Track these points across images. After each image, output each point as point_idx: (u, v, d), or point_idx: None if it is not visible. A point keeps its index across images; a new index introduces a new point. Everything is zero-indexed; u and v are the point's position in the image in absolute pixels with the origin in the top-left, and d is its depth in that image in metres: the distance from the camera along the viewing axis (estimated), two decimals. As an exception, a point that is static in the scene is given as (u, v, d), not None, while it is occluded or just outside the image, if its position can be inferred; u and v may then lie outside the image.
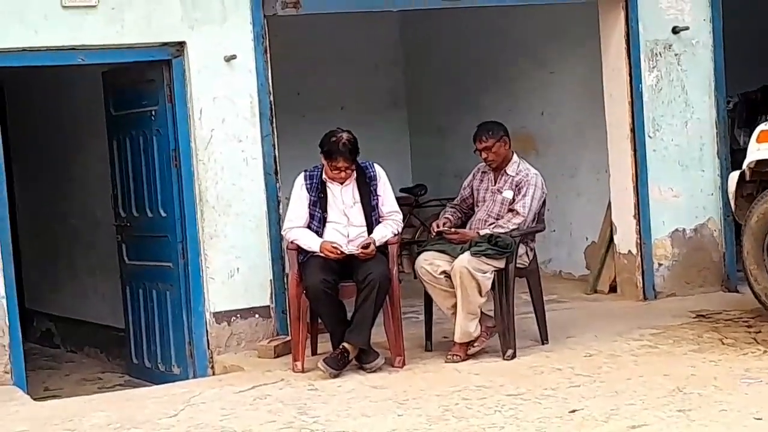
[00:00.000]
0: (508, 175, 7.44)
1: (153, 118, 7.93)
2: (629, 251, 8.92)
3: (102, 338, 10.11)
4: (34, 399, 7.14)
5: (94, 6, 7.36)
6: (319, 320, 7.31)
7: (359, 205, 7.24)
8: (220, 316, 7.72)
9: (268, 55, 7.83)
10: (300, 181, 7.27)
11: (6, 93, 11.28)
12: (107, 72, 8.39)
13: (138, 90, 8.03)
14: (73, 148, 10.35)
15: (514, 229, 7.24)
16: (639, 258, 8.83)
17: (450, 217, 7.53)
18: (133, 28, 7.46)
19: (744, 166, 7.86)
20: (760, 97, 11.06)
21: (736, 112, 10.50)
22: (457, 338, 7.14)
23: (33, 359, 9.30)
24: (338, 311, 7.09)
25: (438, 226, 7.36)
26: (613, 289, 9.24)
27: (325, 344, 7.30)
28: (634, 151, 8.81)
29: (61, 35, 7.31)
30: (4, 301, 7.18)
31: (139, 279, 8.42)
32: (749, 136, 8.64)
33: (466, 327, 7.09)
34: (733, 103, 9.89)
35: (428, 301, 7.46)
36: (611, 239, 9.20)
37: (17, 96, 10.88)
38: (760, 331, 7.39)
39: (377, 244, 7.11)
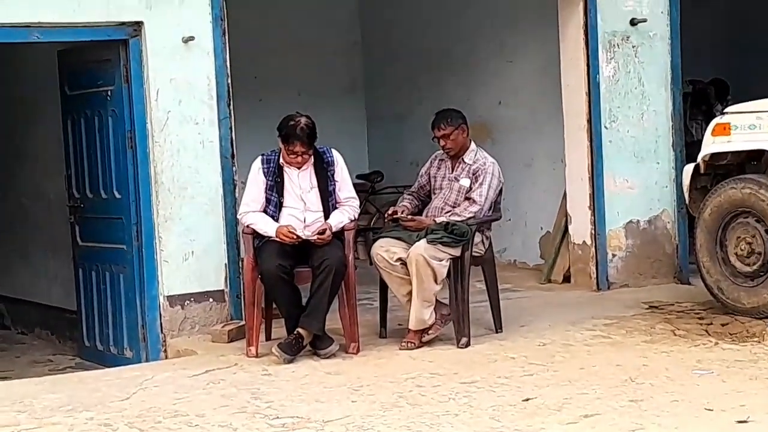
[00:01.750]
0: (465, 163, 7.44)
1: (109, 98, 7.85)
2: (583, 242, 8.97)
3: (53, 320, 10.02)
4: (-17, 380, 7.08)
5: (50, -17, 7.28)
6: (274, 305, 7.29)
7: (316, 191, 7.21)
8: (174, 300, 7.67)
9: (227, 37, 7.77)
10: (257, 165, 7.23)
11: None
12: (63, 51, 8.30)
13: (94, 69, 7.95)
14: (26, 127, 10.24)
15: (470, 218, 7.24)
16: (593, 248, 8.89)
17: (407, 204, 7.53)
18: (90, 7, 7.36)
19: (699, 159, 7.92)
20: (713, 89, 11.17)
21: (688, 104, 10.59)
22: (412, 325, 7.14)
23: (-18, 340, 9.22)
24: (293, 296, 7.06)
25: (395, 213, 7.34)
26: (566, 279, 9.28)
27: (279, 329, 7.29)
28: (590, 141, 8.85)
29: (17, 12, 7.20)
30: (-46, 281, 7.10)
31: (92, 261, 8.34)
32: (701, 128, 8.70)
33: (420, 314, 7.09)
34: (683, 93, 9.95)
35: (383, 288, 7.45)
36: (566, 229, 9.24)
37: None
38: (711, 323, 7.45)
39: (333, 229, 7.08)
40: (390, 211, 7.42)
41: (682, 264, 9.14)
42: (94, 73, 7.94)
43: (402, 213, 7.36)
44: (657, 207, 9.08)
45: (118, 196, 7.91)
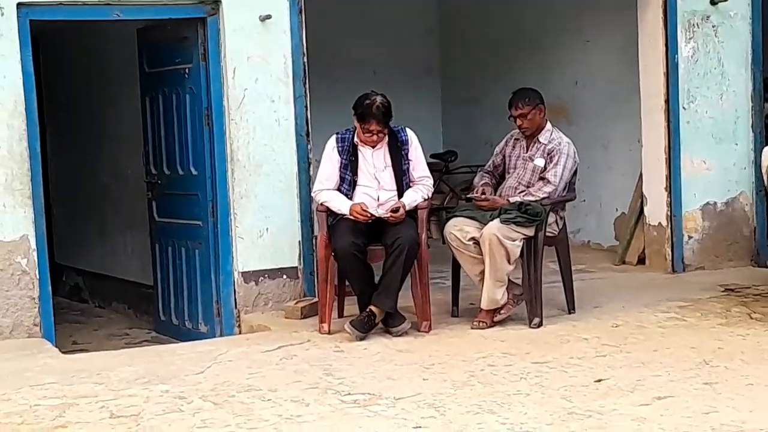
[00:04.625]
0: (540, 143, 7.40)
1: (186, 76, 7.93)
2: (659, 223, 8.89)
3: (130, 294, 10.16)
4: (63, 352, 7.20)
5: (131, -38, 7.37)
6: (347, 283, 7.32)
7: (390, 169, 7.22)
8: (248, 276, 7.75)
9: (303, 15, 7.81)
10: (332, 144, 7.25)
11: (41, 47, 11.28)
12: (142, 28, 8.39)
13: (172, 47, 8.03)
14: (106, 104, 10.37)
15: (544, 198, 7.21)
16: (669, 230, 8.81)
17: (488, 182, 7.48)
18: (169, -15, 7.47)
19: (779, 141, 7.81)
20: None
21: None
22: (484, 305, 7.14)
23: (61, 313, 9.36)
24: (366, 274, 7.10)
25: (484, 193, 7.28)
26: (641, 260, 9.21)
27: (351, 307, 7.32)
28: (668, 122, 8.76)
29: (99, -10, 7.32)
30: (35, 255, 7.23)
31: (168, 236, 8.45)
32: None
33: (493, 294, 7.09)
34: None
35: (456, 267, 7.46)
36: (641, 211, 9.17)
37: (52, 50, 10.90)
38: (789, 307, 7.37)
39: (407, 208, 7.10)
40: (478, 192, 7.34)
41: (759, 247, 9.03)
42: (173, 51, 8.02)
43: (488, 193, 7.30)
44: (735, 189, 8.97)
45: (194, 172, 8.00)
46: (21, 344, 7.07)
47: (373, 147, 7.17)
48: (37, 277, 7.24)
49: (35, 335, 7.22)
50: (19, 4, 7.12)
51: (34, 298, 7.24)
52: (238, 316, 7.75)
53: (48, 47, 10.83)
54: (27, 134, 7.19)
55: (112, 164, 10.36)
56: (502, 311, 7.19)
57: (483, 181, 7.51)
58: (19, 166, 7.17)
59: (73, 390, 5.91)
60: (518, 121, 7.39)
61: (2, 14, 7.09)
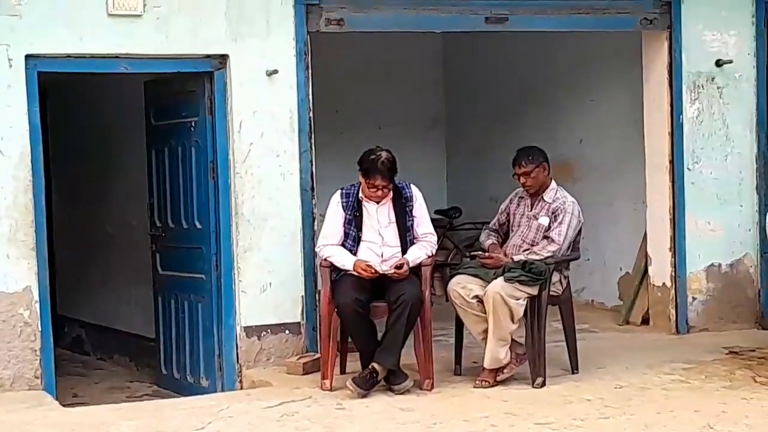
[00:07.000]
0: (545, 201, 7.41)
1: (193, 129, 7.96)
2: (663, 284, 8.86)
3: (132, 347, 10.13)
4: (63, 405, 7.16)
5: (139, 15, 7.40)
6: (349, 339, 7.30)
7: (394, 226, 7.22)
8: (251, 330, 7.72)
9: (310, 71, 7.85)
10: (336, 199, 7.26)
11: (49, 99, 11.34)
12: (149, 81, 8.43)
13: (179, 101, 8.06)
14: (112, 156, 10.41)
15: (548, 257, 7.20)
16: (673, 291, 8.78)
17: (495, 241, 7.48)
18: (177, 39, 7.50)
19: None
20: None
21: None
22: (487, 364, 7.10)
23: (63, 365, 9.31)
24: (369, 331, 7.07)
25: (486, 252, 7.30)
26: (645, 321, 9.17)
27: (354, 363, 7.29)
28: (672, 182, 8.76)
29: (106, 43, 7.36)
30: (38, 306, 7.21)
31: (171, 289, 8.43)
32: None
33: (496, 353, 7.05)
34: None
35: (459, 325, 7.43)
36: (645, 271, 9.14)
37: (60, 102, 10.96)
38: (793, 371, 7.32)
39: (411, 265, 7.09)
40: (486, 254, 7.36)
41: (764, 309, 8.97)
42: (179, 104, 8.05)
43: (493, 251, 7.31)
44: (739, 251, 8.93)
45: (198, 226, 8.00)
46: (22, 397, 7.04)
47: (378, 203, 7.18)
48: (39, 329, 7.22)
49: (36, 388, 7.19)
50: (27, 56, 7.17)
51: (35, 351, 7.21)
52: (240, 371, 7.71)
53: (55, 98, 10.89)
54: (32, 185, 7.21)
55: (118, 216, 10.37)
56: (505, 370, 7.15)
57: (490, 241, 7.50)
58: (24, 218, 7.18)
59: (73, 444, 5.88)
60: (522, 179, 7.40)
61: (11, 66, 7.14)
